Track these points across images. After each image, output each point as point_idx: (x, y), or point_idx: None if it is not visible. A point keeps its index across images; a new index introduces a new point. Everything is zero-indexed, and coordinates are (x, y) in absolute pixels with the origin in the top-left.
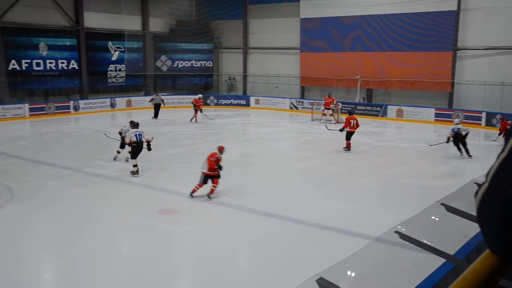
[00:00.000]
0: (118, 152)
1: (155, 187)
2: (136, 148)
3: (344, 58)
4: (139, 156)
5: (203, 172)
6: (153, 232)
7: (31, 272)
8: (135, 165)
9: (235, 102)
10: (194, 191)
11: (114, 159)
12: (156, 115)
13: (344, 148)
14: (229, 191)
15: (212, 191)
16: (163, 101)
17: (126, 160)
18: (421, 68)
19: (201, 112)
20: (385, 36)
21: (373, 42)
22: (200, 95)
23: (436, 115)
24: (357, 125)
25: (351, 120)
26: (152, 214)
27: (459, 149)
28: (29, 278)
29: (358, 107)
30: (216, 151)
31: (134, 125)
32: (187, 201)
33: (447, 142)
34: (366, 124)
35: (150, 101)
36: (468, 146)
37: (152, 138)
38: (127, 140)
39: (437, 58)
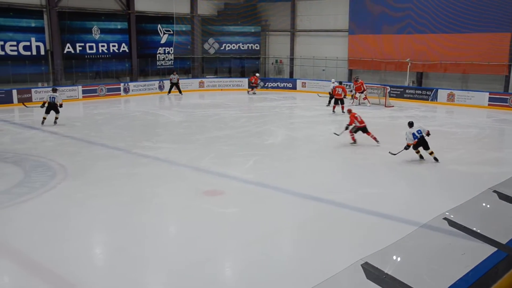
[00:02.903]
0: (44, 118)
1: (201, 169)
2: (48, 107)
3: (393, 41)
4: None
5: None
6: (199, 213)
7: (82, 248)
8: (44, 118)
9: (282, 85)
10: None
11: (42, 123)
12: (172, 91)
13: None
14: (275, 174)
15: None
16: (178, 80)
17: (55, 123)
18: (475, 50)
19: (256, 87)
20: (437, 18)
21: (424, 24)
22: (258, 74)
23: (490, 99)
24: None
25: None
26: (199, 195)
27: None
28: (81, 254)
29: (407, 91)
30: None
31: (53, 90)
32: (233, 183)
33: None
34: (415, 109)
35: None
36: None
37: None
38: (44, 100)
39: (493, 39)
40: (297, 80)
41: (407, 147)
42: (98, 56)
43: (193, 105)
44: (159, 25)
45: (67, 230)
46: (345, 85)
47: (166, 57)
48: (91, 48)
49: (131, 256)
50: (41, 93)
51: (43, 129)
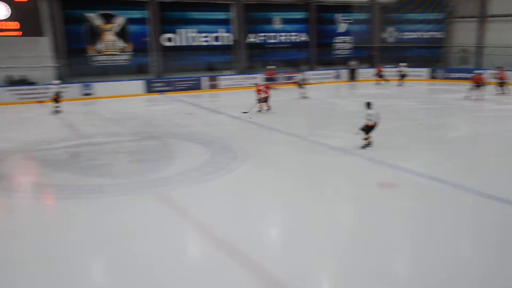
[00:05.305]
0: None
1: (375, 160)
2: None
3: None
4: None
5: None
6: (371, 204)
7: (261, 227)
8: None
9: (467, 76)
10: None
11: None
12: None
13: None
14: (455, 170)
15: None
16: (357, 67)
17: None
18: None
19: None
20: None
21: None
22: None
23: None
24: None
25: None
26: (371, 187)
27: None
28: (260, 232)
29: None
30: None
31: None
32: (408, 176)
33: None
34: None
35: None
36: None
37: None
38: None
39: None
40: (487, 71)
41: (366, 127)
42: (278, 46)
43: (370, 94)
44: (338, 14)
45: (247, 209)
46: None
47: (344, 46)
48: (272, 37)
49: (302, 239)
50: (229, 80)
51: (227, 114)
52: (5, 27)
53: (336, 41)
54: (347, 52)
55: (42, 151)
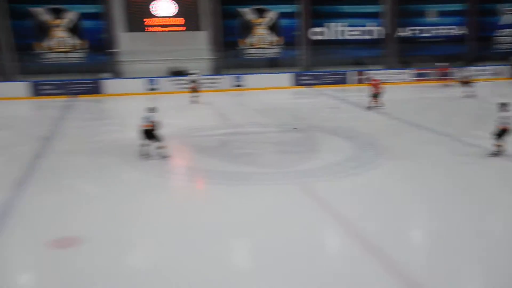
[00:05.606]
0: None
1: None
2: None
3: None
4: None
5: None
6: None
7: (398, 225)
8: None
9: None
10: None
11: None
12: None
13: None
14: None
15: None
16: None
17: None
18: None
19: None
20: None
21: None
22: None
23: None
24: None
25: None
26: None
27: None
28: (397, 230)
29: None
30: None
31: None
32: None
33: None
34: None
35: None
36: None
37: None
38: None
39: None
40: None
41: (500, 131)
42: (431, 40)
43: None
44: (501, 5)
45: (389, 207)
46: None
47: (506, 40)
48: (425, 31)
49: (446, 244)
50: (377, 75)
51: (373, 109)
52: (172, 23)
53: (498, 34)
54: (510, 46)
55: (196, 137)
